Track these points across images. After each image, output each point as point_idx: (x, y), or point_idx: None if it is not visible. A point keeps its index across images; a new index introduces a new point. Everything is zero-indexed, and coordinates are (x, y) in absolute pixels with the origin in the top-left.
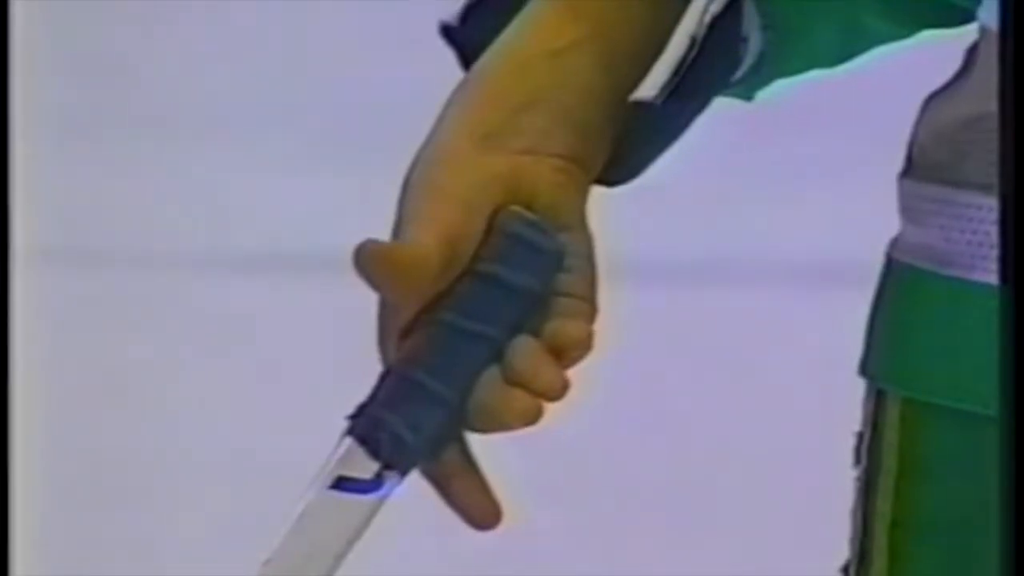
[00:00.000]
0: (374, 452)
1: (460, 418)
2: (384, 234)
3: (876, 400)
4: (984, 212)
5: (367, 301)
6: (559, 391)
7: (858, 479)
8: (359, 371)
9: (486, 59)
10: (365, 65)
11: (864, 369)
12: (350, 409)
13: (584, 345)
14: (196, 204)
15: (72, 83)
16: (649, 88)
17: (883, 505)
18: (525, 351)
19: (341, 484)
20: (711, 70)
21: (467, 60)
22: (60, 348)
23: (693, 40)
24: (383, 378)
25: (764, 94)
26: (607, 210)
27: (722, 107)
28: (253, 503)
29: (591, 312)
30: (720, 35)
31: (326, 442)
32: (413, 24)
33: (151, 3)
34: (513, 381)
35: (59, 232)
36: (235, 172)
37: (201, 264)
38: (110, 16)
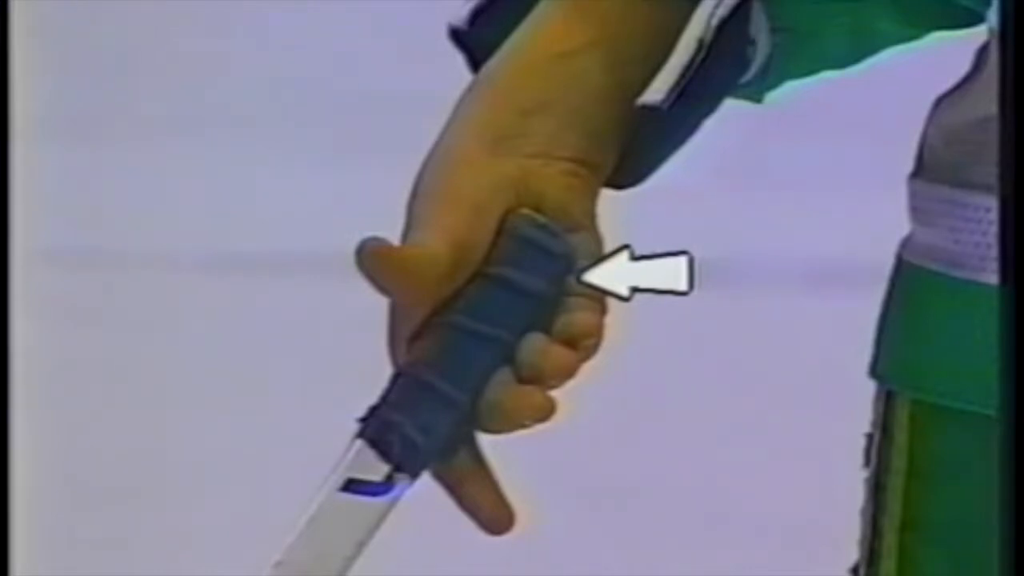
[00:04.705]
0: (385, 454)
1: (471, 420)
2: (389, 233)
3: (886, 401)
4: (994, 214)
5: (375, 302)
6: (570, 370)
7: (867, 480)
8: (368, 373)
9: (494, 62)
10: (368, 65)
11: (874, 370)
12: (360, 411)
13: (594, 333)
14: (196, 204)
15: (72, 83)
16: (656, 91)
17: (892, 506)
18: (535, 345)
19: (351, 486)
20: (719, 73)
21: (476, 63)
22: (60, 348)
23: (700, 43)
24: (394, 380)
25: (773, 96)
26: (616, 212)
27: (731, 109)
28: (260, 504)
29: (601, 310)
30: (728, 38)
31: (335, 444)
32: (419, 24)
33: (152, 3)
34: (524, 377)
35: (59, 232)
36: (235, 172)
37: (201, 264)
38: (110, 16)
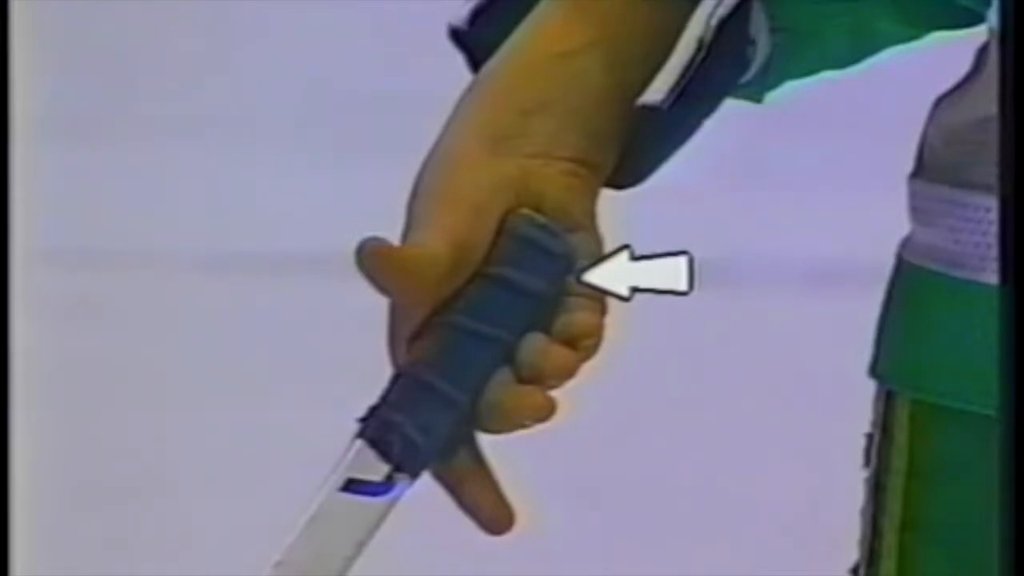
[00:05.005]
0: (385, 454)
1: (471, 420)
2: (389, 233)
3: (886, 401)
4: (993, 214)
5: (375, 302)
6: (570, 370)
7: (867, 480)
8: (368, 373)
9: (494, 62)
10: (368, 65)
11: (874, 370)
12: (360, 411)
13: (594, 333)
14: (196, 204)
15: (72, 83)
16: (656, 91)
17: (892, 506)
18: (535, 345)
19: (351, 486)
20: (719, 73)
21: (476, 63)
22: (60, 348)
23: (700, 43)
24: (394, 380)
25: (773, 96)
26: (616, 212)
27: (731, 109)
28: (260, 504)
29: (601, 310)
30: (728, 38)
31: (335, 444)
32: (419, 24)
33: (152, 3)
34: (524, 377)
35: (59, 232)
36: (235, 172)
37: (201, 264)
38: (110, 16)
